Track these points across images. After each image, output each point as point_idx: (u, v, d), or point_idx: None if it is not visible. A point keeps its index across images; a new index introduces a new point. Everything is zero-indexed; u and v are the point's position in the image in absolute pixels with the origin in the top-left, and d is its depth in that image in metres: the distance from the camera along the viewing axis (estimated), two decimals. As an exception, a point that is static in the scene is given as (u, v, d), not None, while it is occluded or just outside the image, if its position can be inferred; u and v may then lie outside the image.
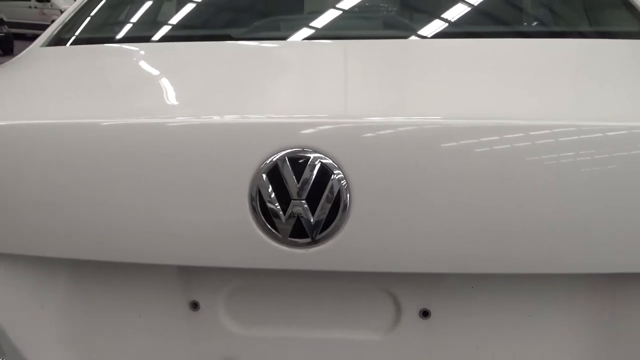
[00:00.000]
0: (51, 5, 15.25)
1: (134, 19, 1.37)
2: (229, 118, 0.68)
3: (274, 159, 0.65)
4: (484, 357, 0.76)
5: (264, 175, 0.65)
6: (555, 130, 0.64)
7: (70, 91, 0.90)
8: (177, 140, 0.68)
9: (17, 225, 0.71)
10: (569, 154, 0.64)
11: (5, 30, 12.59)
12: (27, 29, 16.31)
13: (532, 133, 0.64)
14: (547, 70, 0.90)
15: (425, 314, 0.76)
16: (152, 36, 1.21)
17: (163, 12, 1.44)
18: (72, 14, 1.32)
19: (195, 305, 0.77)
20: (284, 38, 1.09)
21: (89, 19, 1.32)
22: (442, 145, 0.65)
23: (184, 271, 0.76)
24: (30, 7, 15.82)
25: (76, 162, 0.69)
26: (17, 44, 12.89)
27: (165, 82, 0.88)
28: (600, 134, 0.65)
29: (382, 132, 0.65)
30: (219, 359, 0.78)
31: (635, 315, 0.72)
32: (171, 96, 0.82)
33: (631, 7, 1.14)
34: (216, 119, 0.69)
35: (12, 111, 0.78)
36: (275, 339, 0.77)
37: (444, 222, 0.65)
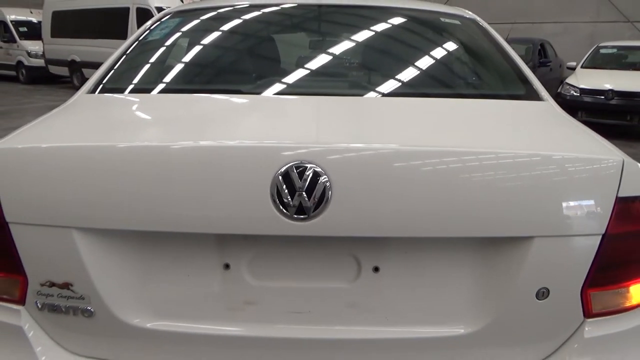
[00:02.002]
0: (17, 47, 15.19)
1: (161, 72, 1.74)
2: (260, 143, 1.08)
3: (286, 168, 0.98)
4: (412, 297, 1.09)
5: (280, 177, 0.98)
6: (461, 156, 1.03)
7: (147, 123, 1.33)
8: (224, 156, 1.03)
9: (109, 209, 1.02)
10: (476, 171, 1.03)
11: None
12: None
13: (443, 158, 1.04)
14: (466, 119, 1.33)
15: (376, 269, 1.09)
16: (183, 86, 1.65)
17: (183, 69, 1.81)
18: (108, 68, 1.64)
19: (227, 266, 1.09)
20: (286, 93, 1.54)
21: (121, 73, 1.66)
22: (387, 162, 1.02)
23: (221, 243, 1.08)
24: (-5, 47, 15.76)
25: (157, 173, 1.02)
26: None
27: (210, 121, 1.29)
28: (492, 157, 1.04)
29: (351, 153, 1.03)
30: (242, 303, 1.09)
31: (501, 266, 1.06)
32: (217, 128, 1.22)
33: (524, 76, 1.61)
34: (253, 143, 1.08)
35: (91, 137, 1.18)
36: (279, 288, 1.10)
37: (387, 208, 1.01)
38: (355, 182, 1.01)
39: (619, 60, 9.26)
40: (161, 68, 1.76)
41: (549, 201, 1.03)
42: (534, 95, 1.52)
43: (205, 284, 1.09)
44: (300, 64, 1.76)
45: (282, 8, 2.00)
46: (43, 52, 14.58)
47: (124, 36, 12.45)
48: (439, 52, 1.82)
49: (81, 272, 1.04)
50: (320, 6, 1.94)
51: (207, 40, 1.91)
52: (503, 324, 1.06)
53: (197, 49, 1.85)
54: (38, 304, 1.09)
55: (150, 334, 1.07)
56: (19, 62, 15.24)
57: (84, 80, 13.73)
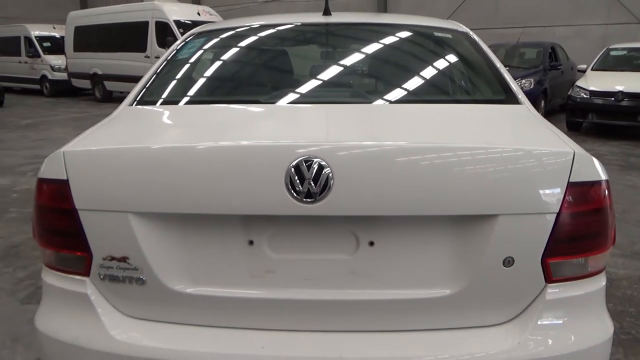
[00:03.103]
0: (42, 61, 15.74)
1: (190, 86, 2.00)
2: (277, 142, 1.29)
3: (297, 162, 1.21)
4: (402, 265, 1.30)
5: (292, 169, 1.21)
6: (451, 152, 1.24)
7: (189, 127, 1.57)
8: (248, 153, 1.26)
9: (157, 197, 1.26)
10: (458, 162, 1.23)
11: (-4, 84, 12.97)
12: (17, 82, 16.83)
13: (425, 152, 1.24)
14: (451, 120, 1.55)
15: (371, 243, 1.30)
16: (209, 98, 1.90)
17: (209, 83, 2.07)
18: (145, 84, 1.91)
19: (251, 242, 1.32)
20: (297, 102, 1.77)
21: (157, 87, 1.91)
22: (377, 156, 1.24)
23: (246, 224, 1.31)
24: (20, 62, 16.32)
25: (194, 167, 1.26)
26: (6, 96, 13.31)
27: (235, 126, 1.53)
28: (464, 151, 1.25)
29: (348, 149, 1.24)
30: (263, 272, 1.32)
31: (473, 238, 1.26)
32: (241, 132, 1.44)
33: (504, 82, 1.84)
34: (271, 142, 1.30)
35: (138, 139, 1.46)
36: (293, 259, 1.32)
37: (378, 192, 1.22)
38: (352, 172, 1.22)
39: (630, 62, 9.28)
40: (190, 82, 2.00)
41: (511, 185, 1.23)
42: (513, 100, 1.74)
43: (234, 257, 1.32)
44: (309, 77, 2.00)
45: (292, 27, 2.25)
46: (66, 66, 15.09)
47: (143, 49, 12.89)
48: (431, 63, 2.03)
49: (135, 247, 1.28)
50: (327, 25, 2.18)
51: (228, 56, 2.15)
52: (478, 287, 1.26)
53: (221, 64, 2.10)
54: (100, 275, 1.32)
55: (189, 297, 1.30)
56: (43, 76, 15.76)
57: (105, 92, 14.23)
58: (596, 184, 1.27)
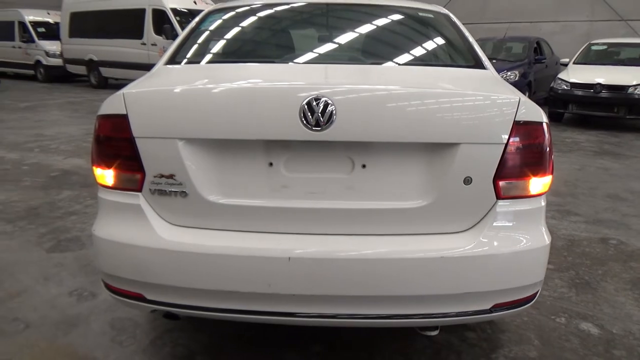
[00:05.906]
0: (36, 47, 15.79)
1: (216, 48, 2.39)
2: (294, 84, 1.65)
3: (309, 99, 1.54)
4: (388, 183, 1.64)
5: (306, 105, 1.54)
6: (428, 96, 1.60)
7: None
8: (272, 91, 1.62)
9: (200, 125, 1.60)
10: (431, 105, 1.58)
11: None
12: (10, 67, 16.86)
13: (407, 95, 1.60)
14: (434, 77, 1.92)
15: (364, 166, 1.65)
16: (231, 59, 2.25)
17: (232, 44, 2.45)
18: (176, 50, 2.26)
19: (271, 164, 1.65)
20: (308, 62, 2.15)
21: (186, 51, 2.26)
22: (371, 96, 1.58)
23: (267, 149, 1.64)
24: (14, 47, 16.37)
25: (228, 103, 1.60)
26: (1, 81, 13.43)
27: (259, 75, 1.94)
28: (439, 94, 1.62)
29: (349, 92, 1.58)
30: (280, 187, 1.66)
31: (441, 161, 1.60)
32: (266, 77, 1.87)
33: (474, 52, 2.22)
34: (290, 84, 1.67)
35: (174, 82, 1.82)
36: (303, 177, 1.66)
37: (371, 124, 1.56)
38: (350, 109, 1.55)
39: (610, 57, 9.73)
40: (215, 47, 2.36)
41: (471, 121, 1.57)
42: (480, 66, 2.12)
43: (257, 175, 1.65)
44: (316, 45, 2.35)
45: (301, 4, 2.60)
46: (61, 52, 15.16)
47: (140, 36, 13.06)
48: (416, 36, 2.40)
49: (181, 167, 1.60)
50: (329, 4, 2.53)
51: (246, 27, 2.50)
52: (445, 200, 1.61)
53: (239, 33, 2.46)
54: (151, 190, 1.64)
55: (222, 207, 1.63)
56: (38, 62, 15.78)
57: (100, 78, 14.36)
58: (537, 124, 1.62)
